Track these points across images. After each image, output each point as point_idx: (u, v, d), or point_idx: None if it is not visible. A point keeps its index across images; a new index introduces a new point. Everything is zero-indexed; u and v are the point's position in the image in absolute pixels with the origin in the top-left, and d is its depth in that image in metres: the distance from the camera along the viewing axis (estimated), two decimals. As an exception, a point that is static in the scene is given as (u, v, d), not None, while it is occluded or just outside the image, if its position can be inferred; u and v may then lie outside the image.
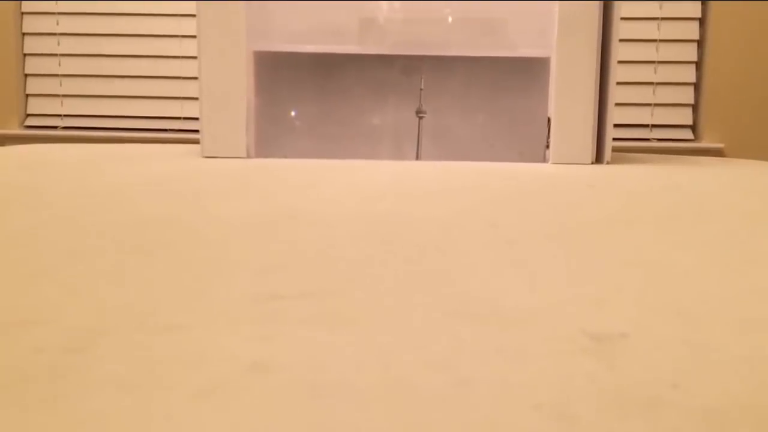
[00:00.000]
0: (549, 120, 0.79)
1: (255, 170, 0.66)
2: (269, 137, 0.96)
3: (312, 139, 0.95)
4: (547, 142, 0.80)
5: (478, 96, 0.88)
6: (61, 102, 2.22)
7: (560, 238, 0.41)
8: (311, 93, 0.94)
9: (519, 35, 0.84)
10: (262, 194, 0.53)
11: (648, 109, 2.16)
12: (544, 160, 0.80)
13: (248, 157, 0.80)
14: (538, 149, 0.83)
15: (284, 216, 0.47)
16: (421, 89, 0.92)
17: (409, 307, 0.27)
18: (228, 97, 0.74)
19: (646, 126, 2.17)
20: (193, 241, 0.39)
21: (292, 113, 0.88)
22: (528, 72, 0.83)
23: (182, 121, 2.19)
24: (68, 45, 2.19)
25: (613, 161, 0.76)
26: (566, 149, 0.75)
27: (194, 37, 2.03)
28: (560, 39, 0.74)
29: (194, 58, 2.11)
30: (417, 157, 0.88)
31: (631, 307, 0.27)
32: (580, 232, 0.43)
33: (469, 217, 0.47)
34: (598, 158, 0.77)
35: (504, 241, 0.40)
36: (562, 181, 0.61)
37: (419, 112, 0.92)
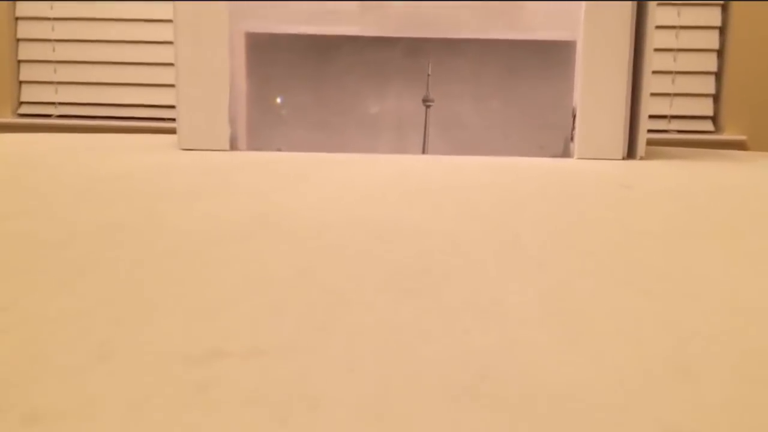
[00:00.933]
0: (574, 110, 0.70)
1: (236, 166, 0.58)
2: (262, 127, 0.87)
3: (308, 129, 0.87)
4: (572, 134, 0.71)
5: (493, 83, 0.79)
6: (56, 89, 2.14)
7: (604, 261, 0.32)
8: (308, 78, 0.86)
9: (539, 16, 0.75)
10: (234, 197, 0.45)
11: (667, 99, 2.07)
12: (569, 154, 0.71)
13: (233, 149, 0.72)
14: (560, 142, 0.74)
15: (256, 226, 0.39)
16: (428, 75, 0.84)
17: (398, 384, 0.19)
18: (208, 82, 0.65)
19: (665, 117, 2.07)
20: (129, 261, 0.31)
21: (278, 100, 0.80)
22: (549, 56, 0.75)
23: (181, 109, 2.11)
24: (63, 30, 2.11)
25: (646, 156, 0.67)
26: (594, 143, 0.65)
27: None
28: (588, 20, 0.65)
29: (193, 44, 2.02)
30: (423, 151, 0.79)
31: (727, 386, 0.19)
32: (627, 251, 0.34)
33: (485, 230, 0.39)
34: (630, 153, 0.68)
35: (531, 266, 0.32)
36: (593, 180, 0.52)
37: (426, 101, 0.84)
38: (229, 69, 0.69)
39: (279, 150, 0.86)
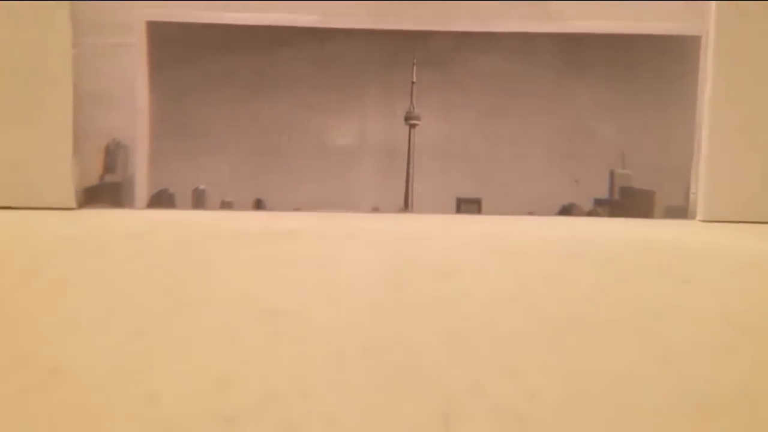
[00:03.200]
0: (698, 146, 0.46)
1: (37, 264, 0.29)
2: (177, 157, 0.63)
3: (245, 157, 0.64)
4: (690, 183, 0.47)
5: (518, 94, 0.57)
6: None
7: None
8: (245, 86, 0.64)
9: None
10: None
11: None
12: (683, 214, 0.47)
13: (89, 206, 0.46)
14: (640, 185, 0.50)
15: None
16: (412, 82, 0.62)
17: None
18: (36, 102, 0.40)
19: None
20: None
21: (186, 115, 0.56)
22: (606, 53, 0.52)
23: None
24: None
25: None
26: (733, 198, 0.42)
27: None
28: (722, 11, 0.43)
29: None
30: (406, 201, 0.55)
31: None
32: None
33: None
34: (791, 214, 0.46)
35: None
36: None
37: (409, 118, 0.61)
38: (70, 76, 0.43)
39: (198, 190, 0.63)
